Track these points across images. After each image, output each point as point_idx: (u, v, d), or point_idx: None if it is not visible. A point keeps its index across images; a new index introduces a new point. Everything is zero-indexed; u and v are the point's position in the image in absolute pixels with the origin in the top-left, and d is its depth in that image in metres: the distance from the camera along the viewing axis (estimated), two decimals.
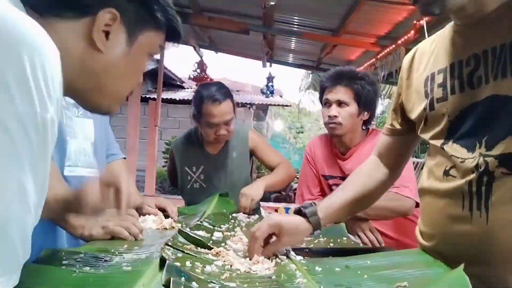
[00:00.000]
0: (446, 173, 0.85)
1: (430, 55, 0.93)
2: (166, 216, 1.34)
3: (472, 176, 0.78)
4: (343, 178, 1.69)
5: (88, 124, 1.22)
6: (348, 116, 1.59)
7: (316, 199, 1.79)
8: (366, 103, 1.59)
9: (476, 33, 0.81)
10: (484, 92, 0.78)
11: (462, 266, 0.65)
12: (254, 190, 1.66)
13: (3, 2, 0.48)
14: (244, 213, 1.58)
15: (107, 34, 0.61)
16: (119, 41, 0.63)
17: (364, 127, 1.68)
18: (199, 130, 1.86)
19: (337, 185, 1.72)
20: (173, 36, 0.72)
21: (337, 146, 1.72)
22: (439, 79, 0.87)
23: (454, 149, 0.83)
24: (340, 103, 1.59)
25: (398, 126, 1.05)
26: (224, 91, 1.72)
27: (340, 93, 1.59)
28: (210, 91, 1.69)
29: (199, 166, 1.84)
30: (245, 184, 1.80)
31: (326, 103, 1.64)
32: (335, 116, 1.59)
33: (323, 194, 1.79)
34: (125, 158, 1.48)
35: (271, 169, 1.91)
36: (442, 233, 0.87)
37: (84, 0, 0.59)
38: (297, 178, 1.99)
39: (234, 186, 1.80)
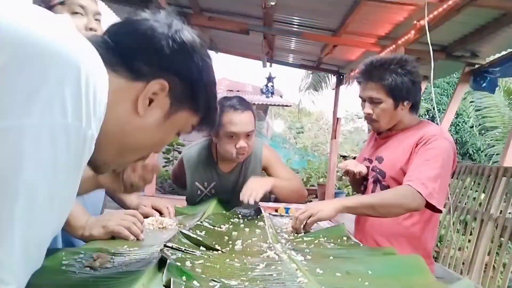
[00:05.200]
0: None
1: None
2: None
3: None
4: (370, 160, 1.65)
5: None
6: (382, 113, 1.51)
7: None
8: (402, 95, 1.49)
9: None
10: None
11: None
12: (260, 183, 1.59)
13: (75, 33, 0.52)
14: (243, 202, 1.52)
15: (150, 101, 0.62)
16: (158, 111, 0.64)
17: (414, 113, 1.57)
18: (212, 147, 1.79)
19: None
20: (207, 123, 0.73)
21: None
22: None
23: None
24: (373, 100, 1.51)
25: None
26: (245, 103, 1.67)
27: (372, 90, 1.50)
28: (231, 101, 1.64)
29: (211, 182, 1.79)
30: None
31: (361, 99, 1.57)
32: (369, 114, 1.53)
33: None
34: None
35: None
36: None
37: (143, 68, 0.61)
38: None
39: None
